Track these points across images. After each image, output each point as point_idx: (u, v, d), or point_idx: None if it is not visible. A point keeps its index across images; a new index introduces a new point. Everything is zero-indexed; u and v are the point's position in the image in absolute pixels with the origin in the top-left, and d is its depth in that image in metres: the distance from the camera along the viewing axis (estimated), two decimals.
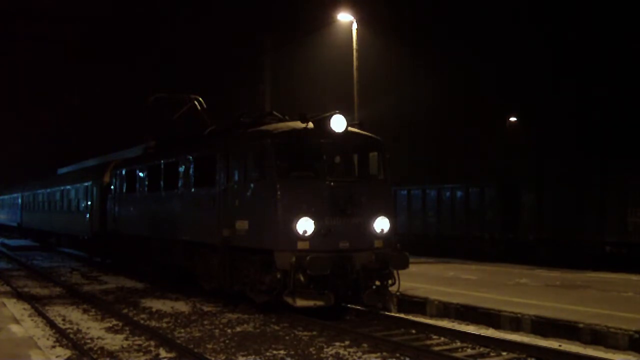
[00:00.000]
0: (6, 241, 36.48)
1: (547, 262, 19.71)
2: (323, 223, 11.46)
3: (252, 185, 12.26)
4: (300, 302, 11.11)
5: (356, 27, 23.00)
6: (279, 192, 11.46)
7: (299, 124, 12.16)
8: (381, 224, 12.07)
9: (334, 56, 26.24)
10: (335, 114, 11.92)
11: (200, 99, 17.42)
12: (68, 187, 27.18)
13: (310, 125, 11.94)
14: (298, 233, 11.27)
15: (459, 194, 24.64)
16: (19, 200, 38.73)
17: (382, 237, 12.11)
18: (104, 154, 32.28)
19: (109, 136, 46.39)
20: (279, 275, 11.31)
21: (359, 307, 12.44)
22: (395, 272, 11.95)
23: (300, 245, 11.27)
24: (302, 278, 11.04)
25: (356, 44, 22.82)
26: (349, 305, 12.55)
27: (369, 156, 13.00)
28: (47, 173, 43.88)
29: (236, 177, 12.72)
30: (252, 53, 28.16)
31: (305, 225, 11.30)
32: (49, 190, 31.19)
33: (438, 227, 25.10)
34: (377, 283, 12.02)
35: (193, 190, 14.63)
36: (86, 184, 23.95)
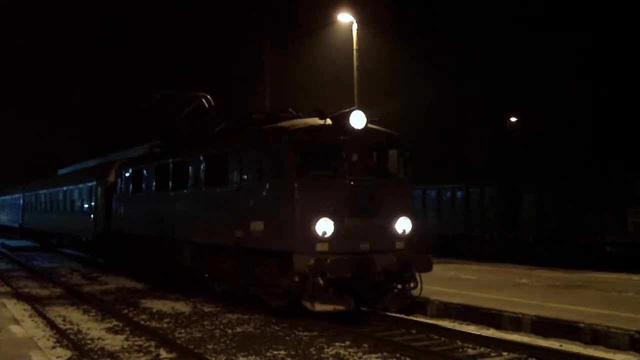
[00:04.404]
0: (7, 242, 36.46)
1: (547, 262, 19.71)
2: (343, 223, 10.99)
3: (268, 184, 11.79)
4: (320, 307, 10.69)
5: (356, 27, 23.02)
6: (296, 192, 11.00)
7: (316, 121, 11.67)
8: (403, 225, 11.63)
9: (334, 56, 26.26)
10: (354, 109, 11.51)
11: (208, 96, 16.96)
12: (71, 187, 26.87)
13: (329, 121, 11.49)
14: (317, 234, 10.80)
15: (459, 194, 24.65)
16: (21, 201, 38.54)
17: (404, 238, 11.65)
18: (105, 155, 32.22)
19: (109, 136, 46.40)
20: (296, 279, 10.89)
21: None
22: (417, 274, 11.53)
23: (320, 247, 10.80)
24: (321, 281, 10.59)
25: (356, 44, 22.83)
26: None
27: (388, 154, 12.46)
28: (47, 173, 43.79)
29: (250, 176, 12.24)
30: (252, 53, 28.17)
31: (324, 226, 10.83)
32: (51, 190, 30.87)
33: (438, 227, 25.10)
34: (399, 286, 11.62)
35: (204, 190, 14.15)
36: (90, 184, 23.65)
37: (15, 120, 57.60)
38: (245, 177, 12.37)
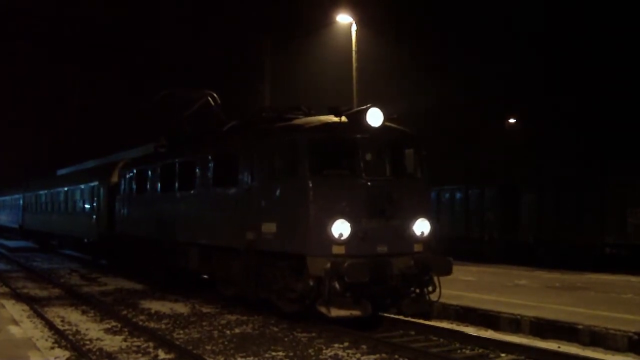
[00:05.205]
0: (6, 242, 36.45)
1: (547, 264, 19.72)
2: (360, 225, 10.56)
3: (280, 184, 11.34)
4: (336, 312, 10.27)
5: (355, 28, 23.03)
6: (311, 192, 10.58)
7: (331, 118, 11.23)
8: (421, 226, 11.20)
9: (334, 57, 26.27)
10: (371, 107, 11.07)
11: (214, 94, 16.51)
12: (73, 187, 26.56)
13: (344, 119, 11.07)
14: (333, 236, 10.38)
15: (458, 195, 24.66)
16: (21, 202, 38.32)
17: (422, 240, 11.22)
18: (105, 155, 32.14)
19: (109, 137, 46.43)
20: (311, 283, 10.49)
21: None
22: (436, 278, 11.11)
23: (336, 249, 10.39)
24: (337, 286, 10.16)
25: (355, 45, 22.84)
26: None
27: (405, 153, 12.00)
28: (47, 174, 43.69)
29: (262, 176, 11.77)
30: (252, 53, 28.20)
31: (341, 228, 10.40)
32: (52, 191, 30.57)
33: (438, 228, 25.06)
34: (417, 290, 11.22)
35: (212, 190, 13.73)
36: (92, 184, 23.32)
37: (15, 120, 57.64)
38: (257, 176, 11.95)
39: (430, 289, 11.18)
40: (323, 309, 10.38)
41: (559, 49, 34.29)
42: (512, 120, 39.09)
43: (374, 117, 11.04)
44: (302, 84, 31.21)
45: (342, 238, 10.44)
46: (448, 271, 11.17)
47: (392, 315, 12.19)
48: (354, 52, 22.78)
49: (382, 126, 11.16)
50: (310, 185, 10.63)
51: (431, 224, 11.42)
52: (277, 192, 11.42)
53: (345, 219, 10.48)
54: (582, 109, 33.62)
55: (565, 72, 33.69)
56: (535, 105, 35.73)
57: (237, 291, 12.82)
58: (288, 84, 30.57)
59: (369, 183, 10.84)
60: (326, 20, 24.50)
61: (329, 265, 10.20)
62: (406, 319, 11.70)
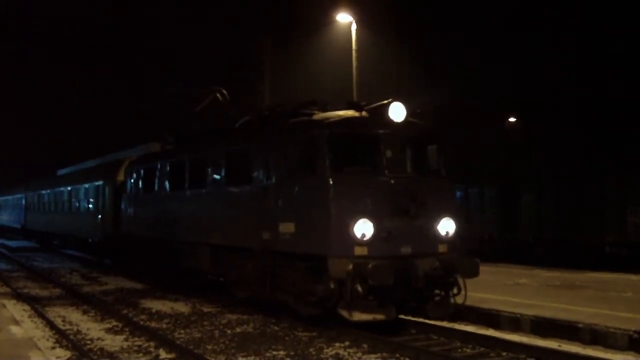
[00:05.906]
0: (7, 242, 36.45)
1: (547, 263, 19.71)
2: (383, 225, 10.09)
3: (299, 182, 10.90)
4: (358, 316, 9.87)
5: (355, 27, 23.05)
6: (332, 190, 10.14)
7: (352, 113, 10.90)
8: (446, 226, 10.74)
9: (333, 56, 26.28)
10: (393, 101, 10.63)
11: (224, 90, 16.20)
12: (77, 186, 26.26)
13: (365, 114, 10.74)
14: (355, 237, 9.92)
15: (458, 194, 24.62)
16: (23, 201, 38.18)
17: (447, 240, 10.78)
18: (105, 155, 32.11)
19: (108, 137, 46.47)
20: (332, 285, 10.05)
21: None
22: (461, 280, 10.60)
23: (358, 250, 9.96)
24: (360, 289, 9.74)
25: (355, 44, 22.86)
26: None
27: (428, 149, 11.53)
28: (47, 174, 43.67)
29: (279, 173, 11.35)
30: (252, 53, 28.21)
31: (364, 228, 9.94)
32: (55, 190, 30.30)
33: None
34: (442, 293, 10.75)
35: (224, 188, 13.32)
36: (97, 183, 23.03)
37: (15, 120, 57.70)
38: (273, 174, 11.52)
39: (455, 291, 10.72)
40: (344, 313, 9.99)
41: (559, 49, 34.30)
42: (511, 119, 39.10)
43: (397, 111, 10.63)
44: (302, 83, 31.20)
45: (365, 238, 10.00)
46: (474, 273, 10.70)
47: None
48: (354, 52, 22.80)
49: (405, 121, 10.74)
50: (331, 183, 10.19)
51: (456, 223, 10.98)
52: (296, 191, 11.00)
53: (368, 219, 10.03)
54: (582, 109, 33.61)
55: (566, 72, 33.68)
56: (535, 105, 35.73)
57: (251, 293, 12.44)
58: (288, 84, 30.56)
59: (392, 181, 10.40)
60: (326, 20, 24.52)
61: (351, 266, 9.78)
62: (406, 317, 11.66)
